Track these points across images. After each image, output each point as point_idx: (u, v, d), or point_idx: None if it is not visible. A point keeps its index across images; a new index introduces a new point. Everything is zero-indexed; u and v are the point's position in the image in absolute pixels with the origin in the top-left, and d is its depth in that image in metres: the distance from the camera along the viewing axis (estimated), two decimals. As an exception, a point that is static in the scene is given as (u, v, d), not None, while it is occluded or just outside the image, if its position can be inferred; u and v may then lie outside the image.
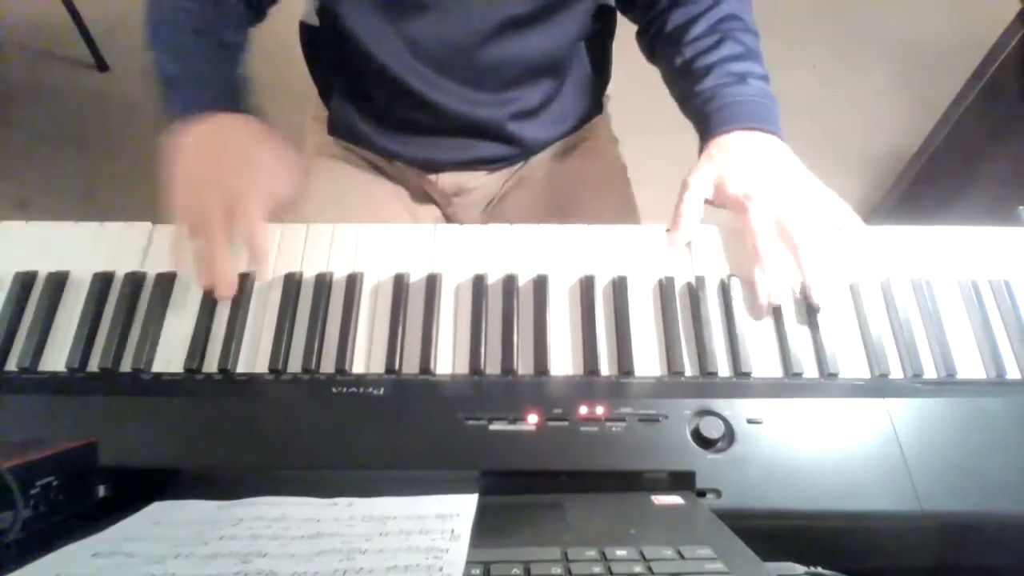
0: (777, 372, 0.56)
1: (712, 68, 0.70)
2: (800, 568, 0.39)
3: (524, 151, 0.88)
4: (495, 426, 0.47)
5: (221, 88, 0.68)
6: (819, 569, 0.39)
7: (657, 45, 0.78)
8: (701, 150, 0.69)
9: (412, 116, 0.81)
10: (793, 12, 2.00)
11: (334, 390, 0.51)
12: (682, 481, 0.46)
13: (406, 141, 0.85)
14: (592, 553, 0.35)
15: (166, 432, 0.48)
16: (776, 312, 0.58)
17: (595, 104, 0.93)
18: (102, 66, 1.98)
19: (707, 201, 0.64)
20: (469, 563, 0.33)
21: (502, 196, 0.92)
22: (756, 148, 0.65)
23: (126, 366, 0.57)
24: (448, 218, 0.94)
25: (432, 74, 0.77)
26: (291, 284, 0.60)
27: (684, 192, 0.64)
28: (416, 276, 0.61)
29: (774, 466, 0.46)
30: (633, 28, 0.82)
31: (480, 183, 0.89)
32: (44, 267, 0.61)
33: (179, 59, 0.69)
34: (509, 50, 0.76)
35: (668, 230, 0.63)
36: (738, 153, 0.64)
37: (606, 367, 0.56)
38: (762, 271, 0.59)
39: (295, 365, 0.56)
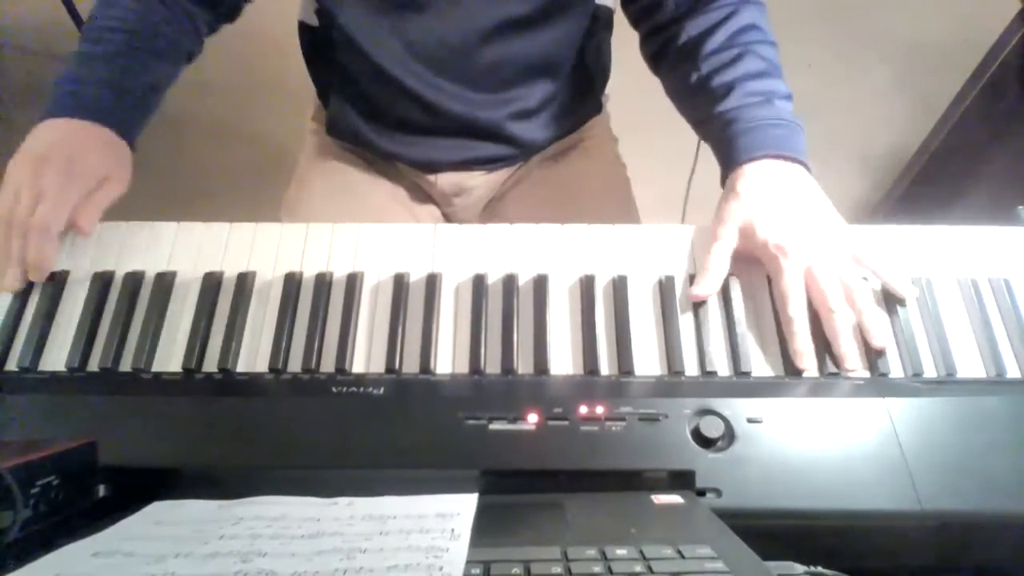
0: (777, 371, 0.56)
1: (733, 87, 0.65)
2: (800, 567, 0.39)
3: (523, 151, 0.88)
4: (495, 426, 0.47)
5: (97, 98, 0.66)
6: (819, 568, 0.39)
7: (666, 57, 0.73)
8: (724, 178, 0.65)
9: (411, 116, 0.81)
10: (793, 12, 1.99)
11: (334, 390, 0.51)
12: (682, 480, 0.46)
13: (405, 141, 0.85)
14: (592, 552, 0.35)
15: (166, 432, 0.48)
16: (775, 312, 0.58)
17: (594, 104, 0.93)
18: (102, 66, 1.98)
19: (735, 252, 0.60)
20: (469, 562, 0.33)
21: (501, 196, 0.92)
22: (783, 186, 0.61)
23: (126, 366, 0.57)
24: (448, 218, 0.94)
25: (430, 74, 0.77)
26: (291, 284, 0.60)
27: (713, 244, 0.60)
28: (416, 276, 0.61)
29: (774, 465, 0.46)
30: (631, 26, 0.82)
31: (479, 183, 0.89)
32: (44, 267, 0.61)
33: (83, 60, 0.67)
34: (507, 50, 0.76)
35: (694, 286, 0.59)
36: (765, 193, 0.60)
37: (606, 366, 0.56)
38: (793, 334, 0.56)
39: (295, 365, 0.57)
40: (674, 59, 0.72)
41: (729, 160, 0.64)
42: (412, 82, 0.77)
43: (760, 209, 0.60)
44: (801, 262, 0.57)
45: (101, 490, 0.46)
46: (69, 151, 0.62)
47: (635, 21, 0.78)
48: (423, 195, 0.92)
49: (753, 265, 0.61)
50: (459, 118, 0.80)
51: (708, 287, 0.58)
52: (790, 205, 0.60)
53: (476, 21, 0.73)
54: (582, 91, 0.89)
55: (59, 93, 0.66)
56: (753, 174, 0.61)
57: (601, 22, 0.85)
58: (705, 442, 0.47)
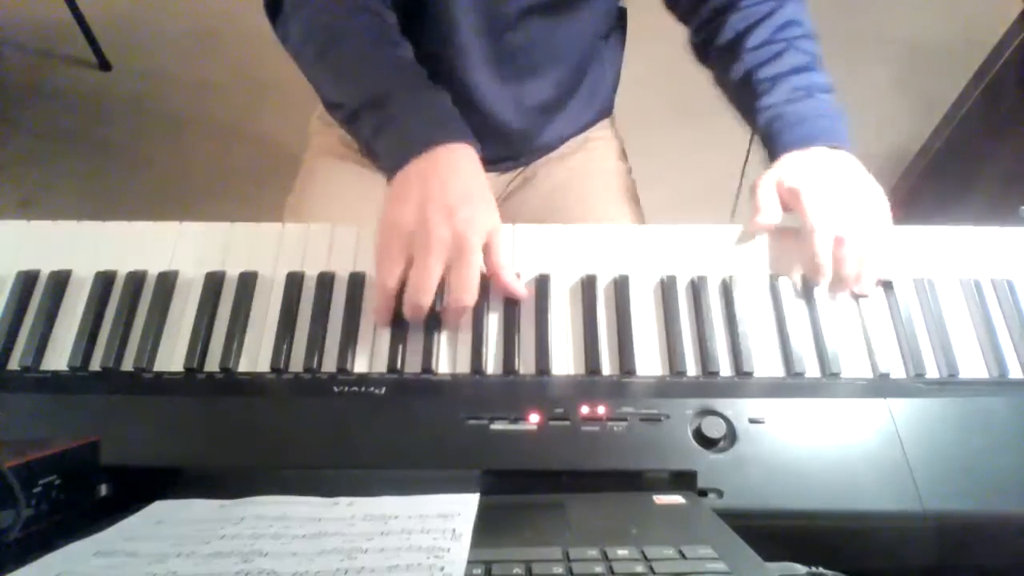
0: (779, 372, 0.56)
1: (776, 82, 0.67)
2: (802, 568, 0.39)
3: (533, 152, 0.88)
4: (496, 426, 0.47)
5: (442, 115, 0.62)
6: (821, 569, 0.39)
7: (711, 50, 0.74)
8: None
9: None
10: (794, 12, 1.99)
11: (336, 389, 0.51)
12: (684, 481, 0.46)
13: None
14: (594, 553, 0.35)
15: (168, 431, 0.48)
16: (778, 311, 0.58)
17: (605, 104, 0.93)
18: (104, 65, 1.98)
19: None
20: (470, 563, 0.33)
21: (507, 196, 0.92)
22: (821, 158, 0.63)
23: (128, 365, 0.57)
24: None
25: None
26: (293, 283, 0.60)
27: (756, 187, 0.63)
28: (417, 276, 0.60)
29: (776, 466, 0.46)
30: (633, 26, 0.81)
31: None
32: (46, 266, 0.61)
33: (378, 78, 0.62)
34: (528, 38, 0.74)
35: (754, 221, 0.61)
36: (802, 161, 0.63)
37: (607, 367, 0.56)
38: (813, 245, 0.58)
39: (297, 364, 0.56)
40: (718, 53, 0.73)
41: (774, 152, 0.66)
42: None
43: (789, 169, 0.63)
44: (821, 197, 0.59)
45: (103, 489, 0.46)
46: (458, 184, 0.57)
47: (682, 15, 0.78)
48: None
49: (754, 265, 0.61)
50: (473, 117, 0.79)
51: (762, 215, 0.61)
52: (819, 167, 0.62)
53: (499, 8, 0.71)
54: (598, 92, 0.88)
55: (398, 128, 0.61)
56: (799, 155, 0.64)
57: (617, 22, 0.85)
58: (707, 442, 0.47)
